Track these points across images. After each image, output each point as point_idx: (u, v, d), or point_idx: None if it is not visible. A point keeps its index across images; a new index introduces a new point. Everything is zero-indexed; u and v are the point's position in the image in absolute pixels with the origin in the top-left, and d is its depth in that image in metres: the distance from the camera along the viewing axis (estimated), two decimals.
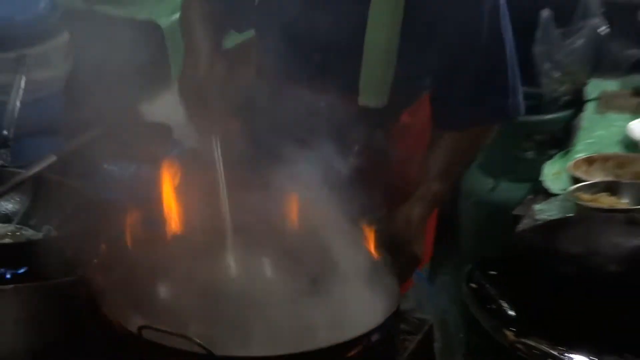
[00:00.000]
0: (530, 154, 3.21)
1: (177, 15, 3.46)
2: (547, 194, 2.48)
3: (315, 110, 2.20)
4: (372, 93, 2.33)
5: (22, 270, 1.67)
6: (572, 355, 1.54)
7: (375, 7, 2.28)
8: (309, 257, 1.74)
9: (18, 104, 2.23)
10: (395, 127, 2.45)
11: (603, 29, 3.32)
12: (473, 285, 1.64)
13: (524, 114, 2.55)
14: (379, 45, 2.32)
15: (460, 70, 2.30)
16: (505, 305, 1.63)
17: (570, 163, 2.53)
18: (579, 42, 3.35)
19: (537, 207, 2.37)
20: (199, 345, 1.37)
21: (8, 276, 1.66)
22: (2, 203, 1.91)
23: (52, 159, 1.98)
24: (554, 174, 2.57)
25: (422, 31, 2.26)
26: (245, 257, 1.75)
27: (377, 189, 2.19)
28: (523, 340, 1.55)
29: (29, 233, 1.90)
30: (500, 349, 1.63)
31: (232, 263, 1.73)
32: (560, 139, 3.02)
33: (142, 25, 3.45)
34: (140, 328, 1.37)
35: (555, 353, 1.52)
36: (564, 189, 2.43)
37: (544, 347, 1.54)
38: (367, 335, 1.49)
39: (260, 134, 2.36)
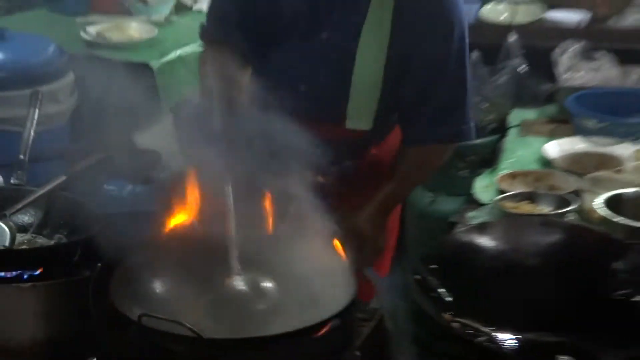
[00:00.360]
0: (464, 172, 3.19)
1: (166, 58, 3.57)
2: (477, 204, 2.51)
3: (298, 137, 2.18)
4: (359, 118, 2.34)
5: (37, 272, 1.66)
6: (498, 332, 1.57)
7: (364, 44, 2.29)
8: (283, 258, 1.73)
9: (32, 133, 2.21)
10: (365, 157, 2.46)
11: (522, 68, 3.36)
12: (417, 277, 1.65)
13: None
14: (366, 76, 2.32)
15: (428, 97, 2.30)
16: (443, 292, 1.64)
17: (497, 177, 2.58)
18: (503, 78, 3.39)
19: (469, 214, 2.39)
20: (190, 329, 1.38)
21: (25, 276, 1.65)
22: (20, 216, 1.90)
23: (62, 179, 1.99)
24: (484, 187, 2.61)
25: (400, 64, 2.27)
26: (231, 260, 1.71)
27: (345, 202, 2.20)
28: (458, 320, 1.57)
29: (42, 241, 1.89)
30: (441, 336, 1.64)
31: (220, 265, 1.70)
32: (489, 159, 3.01)
33: (136, 67, 3.44)
34: (140, 316, 1.38)
35: (485, 330, 1.54)
36: (492, 199, 2.46)
37: (476, 325, 1.56)
38: (329, 320, 1.49)
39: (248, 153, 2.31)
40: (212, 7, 2.56)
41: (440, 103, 2.30)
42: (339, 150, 2.22)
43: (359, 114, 2.34)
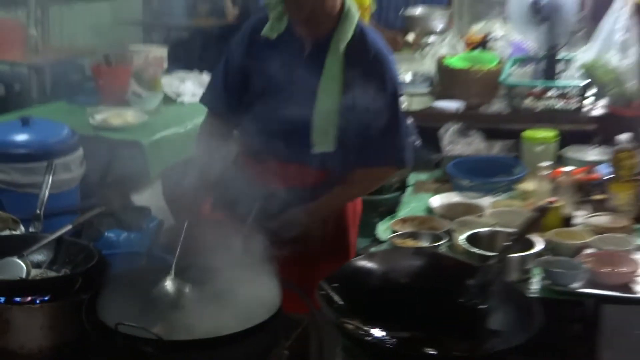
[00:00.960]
0: (375, 220, 3.04)
1: (154, 137, 3.57)
2: (379, 242, 2.55)
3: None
4: (323, 143, 2.32)
5: (47, 298, 1.66)
6: (381, 332, 1.63)
7: (323, 88, 2.30)
8: (223, 276, 1.72)
9: (47, 194, 2.20)
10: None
11: (417, 142, 3.34)
12: (322, 292, 1.66)
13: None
14: (326, 111, 2.31)
15: (371, 130, 2.26)
16: (342, 304, 1.66)
17: (392, 222, 2.62)
18: None
19: (372, 249, 2.42)
20: (153, 333, 1.43)
21: (37, 302, 1.65)
22: (35, 256, 1.88)
23: (68, 227, 2.00)
24: (384, 229, 2.63)
25: (349, 104, 2.26)
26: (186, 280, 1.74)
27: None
28: (351, 323, 1.60)
29: (52, 274, 1.87)
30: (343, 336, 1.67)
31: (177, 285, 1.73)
32: (393, 210, 2.98)
33: (131, 144, 3.48)
34: (117, 324, 1.42)
35: (365, 328, 1.61)
36: (387, 238, 2.51)
37: (365, 327, 1.62)
38: (262, 324, 1.50)
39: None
40: (210, 80, 2.59)
41: (382, 136, 2.29)
42: (303, 196, 2.28)
43: (323, 140, 2.32)
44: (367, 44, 2.33)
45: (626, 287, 2.17)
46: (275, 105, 2.35)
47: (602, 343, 2.25)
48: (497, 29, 4.46)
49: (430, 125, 3.41)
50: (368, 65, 2.31)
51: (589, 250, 2.31)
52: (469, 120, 3.45)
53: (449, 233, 2.45)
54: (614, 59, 3.31)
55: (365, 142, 2.32)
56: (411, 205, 2.88)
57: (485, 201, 2.76)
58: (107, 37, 8.00)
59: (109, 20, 8.21)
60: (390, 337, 1.64)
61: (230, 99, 2.42)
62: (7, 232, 2.21)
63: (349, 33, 2.28)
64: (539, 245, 2.26)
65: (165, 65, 4.44)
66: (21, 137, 2.83)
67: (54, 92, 5.25)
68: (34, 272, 1.85)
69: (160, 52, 4.47)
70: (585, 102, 3.53)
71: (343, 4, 2.28)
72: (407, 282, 1.80)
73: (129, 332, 1.44)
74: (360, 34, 2.32)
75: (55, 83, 5.58)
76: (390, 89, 2.32)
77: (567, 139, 3.20)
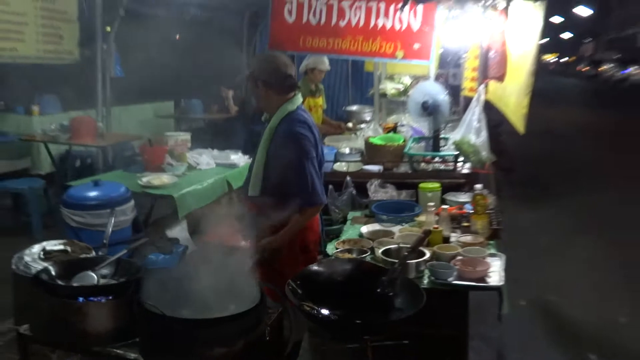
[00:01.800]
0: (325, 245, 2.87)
1: (181, 192, 3.49)
2: (328, 255, 2.43)
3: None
4: (253, 190, 2.35)
5: (110, 297, 1.70)
6: (327, 311, 1.66)
7: (258, 152, 2.36)
8: (226, 281, 1.70)
9: (110, 230, 2.23)
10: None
11: (353, 192, 3.29)
12: (289, 287, 1.68)
13: None
14: (256, 170, 2.36)
15: (290, 182, 2.26)
16: (301, 292, 1.70)
17: (336, 242, 2.57)
18: (344, 197, 3.25)
19: (321, 259, 2.34)
20: (156, 307, 1.45)
21: (103, 300, 1.69)
22: (103, 270, 1.90)
23: (124, 251, 2.02)
24: (331, 248, 2.55)
25: (271, 164, 2.31)
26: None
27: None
28: (310, 305, 1.65)
29: (113, 282, 1.88)
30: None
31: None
32: (337, 237, 2.80)
33: (166, 197, 3.46)
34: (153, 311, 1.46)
35: (322, 310, 1.64)
36: (333, 253, 2.44)
37: (316, 308, 1.65)
38: (251, 309, 1.54)
39: None
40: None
41: (299, 185, 2.26)
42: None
43: (254, 187, 2.35)
44: (286, 126, 2.30)
45: (482, 279, 2.20)
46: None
47: (467, 315, 2.35)
48: (402, 120, 4.55)
49: (361, 181, 3.35)
50: (283, 140, 2.29)
51: (459, 257, 2.32)
52: (386, 177, 3.44)
53: (372, 249, 2.45)
54: (473, 138, 3.38)
55: (293, 191, 2.25)
56: (349, 232, 2.85)
57: (396, 228, 2.77)
58: (149, 127, 8.09)
59: (151, 116, 8.31)
60: (333, 314, 1.68)
61: None
62: (84, 255, 2.26)
63: (276, 122, 2.32)
64: (428, 254, 2.29)
65: (189, 144, 4.49)
66: (93, 194, 2.85)
67: (114, 164, 5.29)
68: (102, 281, 1.88)
69: (186, 136, 4.52)
70: (457, 165, 3.52)
71: (286, 101, 2.33)
72: (343, 279, 1.83)
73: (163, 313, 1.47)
74: (287, 121, 2.30)
75: (115, 158, 5.63)
76: (298, 158, 2.25)
77: (447, 188, 3.18)
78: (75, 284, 1.79)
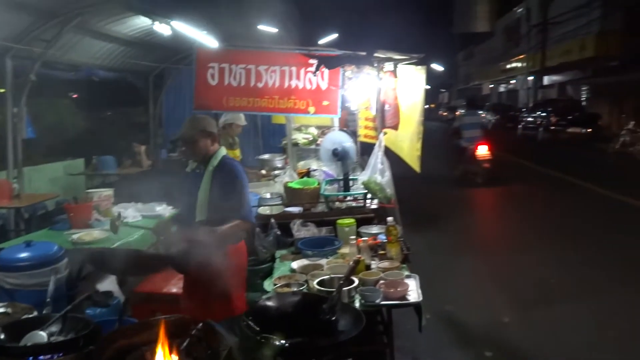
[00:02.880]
0: (259, 281, 2.94)
1: (114, 245, 3.33)
2: (266, 292, 2.50)
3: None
4: (201, 215, 2.60)
5: (61, 354, 1.59)
6: (276, 339, 1.59)
7: (202, 188, 2.61)
8: None
9: (52, 289, 2.12)
10: None
11: (278, 232, 3.29)
12: (243, 322, 1.65)
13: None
14: (201, 200, 2.61)
15: (232, 204, 2.56)
16: (255, 328, 1.65)
17: (273, 279, 2.59)
18: (270, 238, 3.26)
19: (263, 297, 2.26)
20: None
21: (55, 357, 1.59)
22: (50, 328, 1.78)
23: (68, 307, 1.90)
24: (268, 284, 2.61)
25: (216, 194, 2.58)
26: None
27: None
28: (265, 335, 1.60)
29: (62, 338, 1.76)
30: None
31: None
32: (269, 274, 2.89)
33: (98, 250, 3.17)
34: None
35: (277, 340, 1.59)
36: (272, 289, 2.45)
37: (271, 337, 1.59)
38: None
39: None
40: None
41: (240, 204, 2.58)
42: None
43: (200, 214, 2.61)
44: (225, 165, 2.66)
45: (404, 298, 2.33)
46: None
47: (392, 330, 2.47)
48: (313, 165, 4.78)
49: (284, 222, 3.39)
50: (223, 175, 2.62)
51: (382, 281, 2.43)
52: (306, 217, 3.50)
53: (306, 282, 2.50)
54: (378, 178, 3.54)
55: (229, 210, 2.55)
56: (281, 269, 2.86)
57: (323, 261, 2.83)
58: (60, 185, 7.51)
59: (61, 174, 7.74)
60: (285, 341, 1.62)
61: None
62: (26, 316, 2.04)
63: (215, 163, 2.66)
64: (356, 282, 2.38)
65: (112, 199, 4.26)
66: (26, 254, 2.60)
67: (31, 225, 4.84)
68: (52, 339, 1.76)
69: (108, 192, 4.29)
70: (367, 201, 3.64)
71: (216, 151, 2.70)
72: (290, 309, 1.84)
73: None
74: (224, 162, 2.67)
75: (30, 218, 5.15)
76: (237, 186, 2.60)
77: (360, 222, 3.29)
78: (27, 344, 1.66)
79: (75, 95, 10.83)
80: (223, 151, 2.75)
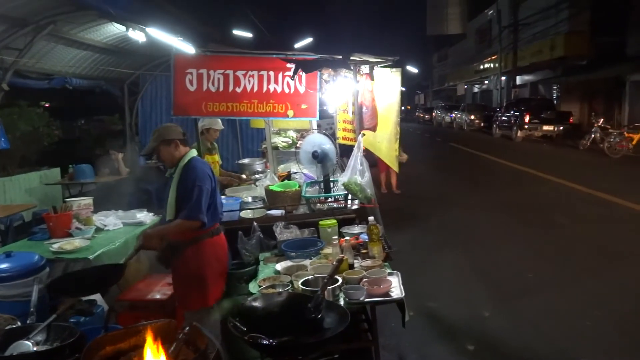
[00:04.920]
0: (243, 284, 2.94)
1: (96, 253, 3.26)
2: (252, 294, 2.46)
3: None
4: (170, 215, 2.77)
5: None
6: (266, 338, 1.66)
7: (170, 189, 2.76)
8: None
9: (36, 299, 2.08)
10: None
11: (260, 236, 3.25)
12: (230, 323, 1.67)
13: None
14: (170, 201, 2.76)
15: (185, 203, 2.69)
16: (242, 328, 1.68)
17: (258, 281, 2.59)
18: (253, 241, 3.19)
19: (249, 298, 2.24)
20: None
21: None
22: (36, 337, 1.78)
23: (53, 316, 1.92)
24: (253, 286, 2.59)
25: (180, 193, 2.74)
26: None
27: None
28: (253, 335, 1.65)
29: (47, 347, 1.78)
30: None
31: None
32: (253, 277, 2.85)
33: (82, 260, 3.20)
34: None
35: (264, 339, 1.65)
36: (257, 290, 2.46)
37: (258, 336, 1.65)
38: None
39: None
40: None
41: (187, 201, 2.69)
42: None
43: (170, 214, 2.78)
44: (187, 166, 2.79)
45: (387, 294, 2.35)
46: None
47: (376, 327, 2.49)
48: (294, 168, 4.75)
49: (267, 225, 3.37)
50: (183, 176, 2.76)
51: (365, 280, 2.45)
52: (288, 219, 3.50)
53: (291, 282, 2.53)
54: (358, 179, 3.57)
55: (184, 208, 2.70)
56: (265, 271, 2.86)
57: (307, 262, 2.84)
58: (36, 195, 7.36)
59: (37, 184, 7.59)
60: (272, 340, 1.68)
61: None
62: (9, 326, 2.00)
63: (182, 164, 2.80)
64: (340, 280, 2.41)
65: (92, 208, 4.18)
66: (6, 265, 2.57)
67: (7, 236, 4.74)
68: (37, 348, 1.76)
69: (88, 200, 4.22)
70: (347, 202, 3.62)
71: (182, 155, 2.85)
72: (276, 309, 1.86)
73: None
74: (187, 165, 2.79)
75: (7, 229, 5.04)
76: (189, 185, 2.71)
77: (341, 223, 3.30)
78: (13, 353, 1.67)
79: (49, 104, 10.64)
80: (192, 153, 2.87)
